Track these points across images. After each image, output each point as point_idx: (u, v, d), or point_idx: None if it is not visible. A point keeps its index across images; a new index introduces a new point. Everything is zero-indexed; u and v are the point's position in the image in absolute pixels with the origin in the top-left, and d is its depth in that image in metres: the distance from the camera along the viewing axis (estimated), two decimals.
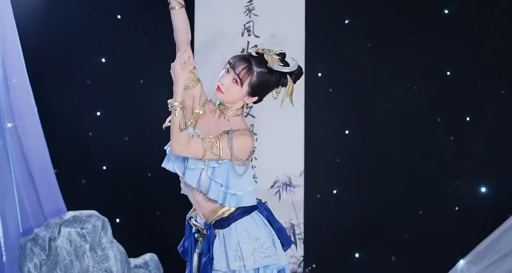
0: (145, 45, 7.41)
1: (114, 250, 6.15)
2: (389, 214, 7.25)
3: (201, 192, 4.51)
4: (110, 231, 6.19)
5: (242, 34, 7.05)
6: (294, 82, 4.55)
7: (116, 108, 7.47)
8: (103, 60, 7.42)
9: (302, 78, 6.77)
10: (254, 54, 4.49)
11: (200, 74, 6.85)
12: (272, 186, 7.00)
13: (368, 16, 7.28)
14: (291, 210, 6.94)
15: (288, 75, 4.52)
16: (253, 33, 7.05)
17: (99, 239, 6.14)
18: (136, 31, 7.40)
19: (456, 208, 7.16)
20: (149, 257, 6.30)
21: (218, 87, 4.48)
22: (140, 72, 7.45)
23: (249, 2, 6.99)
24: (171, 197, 7.16)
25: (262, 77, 4.51)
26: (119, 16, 7.32)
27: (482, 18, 7.15)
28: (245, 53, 4.70)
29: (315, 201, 7.22)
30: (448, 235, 7.15)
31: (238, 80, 4.46)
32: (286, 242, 4.57)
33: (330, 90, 7.30)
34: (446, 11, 7.20)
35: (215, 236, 4.46)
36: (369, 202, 7.28)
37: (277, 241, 4.51)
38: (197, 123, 4.58)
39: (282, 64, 4.49)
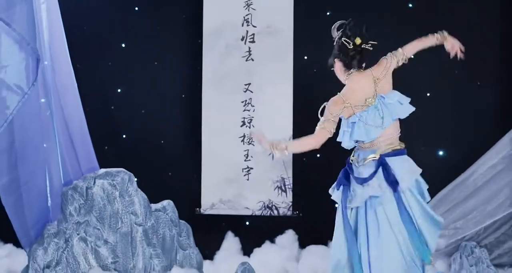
0: (159, 33, 8.52)
1: (138, 197, 7.29)
2: None
3: None
4: (135, 183, 7.34)
5: (242, 24, 8.30)
6: (351, 31, 5.87)
7: (134, 86, 8.59)
8: (123, 45, 8.56)
9: (291, 60, 8.11)
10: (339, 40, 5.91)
11: (208, 56, 8.10)
12: None
13: (346, 8, 8.40)
14: (282, 167, 8.22)
15: (341, 33, 5.90)
16: (251, 23, 8.30)
17: (126, 189, 7.28)
18: (151, 21, 8.53)
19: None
20: (166, 203, 7.44)
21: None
22: (154, 56, 8.56)
23: None
24: (181, 161, 8.56)
25: (334, 48, 5.94)
26: (136, 8, 8.48)
27: (445, 12, 8.25)
28: None
29: (301, 161, 8.37)
30: None
31: (332, 68, 5.94)
32: None
33: (314, 70, 8.43)
34: (410, 5, 8.38)
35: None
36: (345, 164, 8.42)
37: None
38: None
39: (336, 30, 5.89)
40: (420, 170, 5.76)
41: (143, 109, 8.60)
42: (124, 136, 8.61)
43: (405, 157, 5.76)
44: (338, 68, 5.86)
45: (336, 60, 5.86)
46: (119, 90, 8.61)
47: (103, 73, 8.56)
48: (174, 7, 8.53)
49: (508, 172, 8.21)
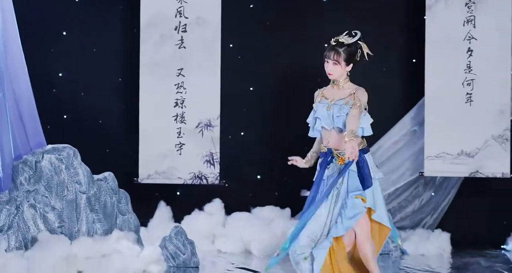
0: (97, 22, 8.97)
1: (82, 169, 7.71)
2: (282, 150, 8.49)
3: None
4: (79, 157, 7.77)
5: (175, 16, 8.79)
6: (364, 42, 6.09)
7: (74, 70, 9.03)
8: (64, 33, 9.02)
9: (219, 48, 8.63)
10: (333, 43, 6.08)
11: (145, 44, 8.53)
12: (197, 126, 8.77)
13: (266, 2, 9.03)
14: (211, 143, 8.79)
15: (358, 41, 6.07)
16: (183, 15, 8.79)
17: (72, 162, 7.71)
18: (91, 12, 8.98)
19: None
20: (107, 174, 7.84)
21: (329, 73, 6.08)
22: (93, 43, 9.02)
23: None
24: (120, 138, 9.04)
25: (346, 51, 6.04)
26: (76, 0, 8.95)
27: (359, 6, 8.89)
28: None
29: (227, 138, 8.95)
30: None
31: (336, 62, 6.05)
32: None
33: (239, 57, 9.02)
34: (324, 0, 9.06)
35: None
36: (267, 141, 9.06)
37: None
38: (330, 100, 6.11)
39: (351, 38, 6.04)
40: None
41: (82, 92, 9.02)
42: (65, 116, 9.03)
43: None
44: (343, 62, 6.11)
45: (344, 55, 6.10)
46: (60, 74, 9.01)
47: (46, 59, 8.95)
48: None
49: (409, 147, 9.00)
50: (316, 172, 6.09)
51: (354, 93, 6.02)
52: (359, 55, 6.08)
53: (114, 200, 7.79)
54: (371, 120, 5.96)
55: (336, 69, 6.14)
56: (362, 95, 6.03)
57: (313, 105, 6.22)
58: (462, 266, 8.25)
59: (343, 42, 6.07)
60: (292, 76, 9.09)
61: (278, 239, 8.43)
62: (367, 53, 6.14)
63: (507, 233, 8.96)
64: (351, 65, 6.12)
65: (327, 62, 6.15)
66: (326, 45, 8.42)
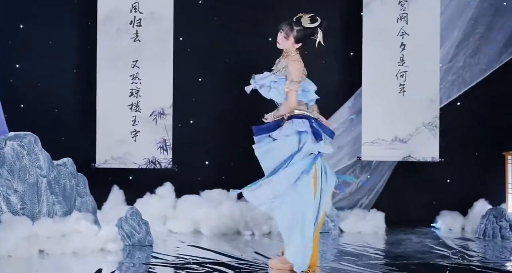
0: (53, 16, 9.10)
1: (43, 155, 7.92)
2: (229, 136, 9.20)
3: None
4: (40, 144, 7.97)
5: (131, 11, 8.85)
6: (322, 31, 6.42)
7: (31, 62, 9.13)
8: (21, 26, 9.12)
9: (171, 41, 8.73)
10: (294, 19, 6.42)
11: (102, 37, 8.64)
12: (151, 115, 8.96)
13: None
14: (164, 130, 8.91)
15: (317, 28, 6.41)
16: (138, 10, 8.86)
17: (33, 148, 7.89)
18: (47, 6, 9.10)
19: None
20: (66, 159, 8.06)
21: (277, 42, 6.49)
22: (49, 36, 9.15)
23: None
24: (75, 127, 9.18)
25: (300, 32, 6.40)
26: None
27: (301, 3, 8.77)
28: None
29: (179, 126, 9.13)
30: None
31: (286, 36, 6.42)
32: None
33: (188, 50, 9.17)
34: None
35: None
36: (215, 129, 9.27)
37: None
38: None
39: (310, 22, 6.37)
40: None
41: (39, 83, 9.12)
42: (22, 106, 9.13)
43: None
44: (292, 39, 6.52)
45: (296, 34, 6.51)
46: (17, 66, 9.09)
47: (4, 51, 8.97)
48: None
49: (347, 134, 9.23)
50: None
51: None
52: (312, 39, 6.47)
53: (73, 184, 7.98)
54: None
55: (283, 41, 6.56)
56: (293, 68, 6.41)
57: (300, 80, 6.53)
58: (395, 242, 8.51)
59: (301, 23, 6.44)
60: (238, 68, 9.27)
61: (226, 219, 8.80)
62: (319, 42, 6.44)
63: (436, 212, 9.31)
64: (300, 44, 6.49)
65: (280, 32, 6.54)
66: (270, 39, 8.99)
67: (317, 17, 6.44)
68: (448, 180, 9.41)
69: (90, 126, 8.97)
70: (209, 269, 6.99)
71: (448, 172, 9.31)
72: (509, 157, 8.91)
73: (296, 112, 6.53)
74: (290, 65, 6.41)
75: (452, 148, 9.23)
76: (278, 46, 6.52)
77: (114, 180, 9.13)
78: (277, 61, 6.65)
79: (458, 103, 9.35)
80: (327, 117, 8.59)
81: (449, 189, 9.35)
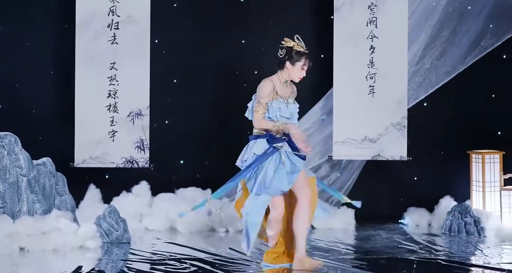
0: (31, 19, 9.14)
1: (23, 154, 8.07)
2: (203, 135, 9.34)
3: None
4: (20, 144, 8.12)
5: (108, 14, 8.94)
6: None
7: (8, 63, 9.20)
8: None
9: (148, 43, 8.85)
10: (307, 50, 6.74)
11: (80, 39, 8.77)
12: (128, 115, 9.04)
13: (189, 2, 9.30)
14: (141, 131, 9.02)
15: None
16: (116, 13, 8.94)
17: (13, 148, 8.05)
18: (24, 8, 9.15)
19: (248, 132, 8.45)
20: (46, 159, 8.16)
21: (300, 78, 6.85)
22: (27, 38, 9.22)
23: None
24: (53, 127, 9.20)
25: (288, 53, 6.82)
26: None
27: (273, 7, 9.20)
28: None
29: (155, 126, 9.22)
30: (241, 150, 8.34)
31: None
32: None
33: (164, 51, 9.26)
34: (241, 0, 9.38)
35: None
36: (190, 129, 9.35)
37: None
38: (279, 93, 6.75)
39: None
40: None
41: (16, 83, 9.18)
42: (0, 106, 9.18)
43: None
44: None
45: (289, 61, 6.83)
46: None
47: None
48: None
49: (318, 134, 9.31)
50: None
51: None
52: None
53: (52, 183, 8.11)
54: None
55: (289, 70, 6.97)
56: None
57: (266, 100, 6.81)
58: (365, 237, 8.66)
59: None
60: (211, 70, 9.40)
61: (201, 217, 8.86)
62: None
63: (404, 209, 9.40)
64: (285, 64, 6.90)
65: (304, 69, 6.91)
66: (243, 41, 9.22)
67: (297, 37, 6.82)
68: (415, 178, 9.51)
69: (68, 127, 8.99)
70: (187, 265, 7.13)
71: (415, 170, 9.38)
72: (473, 155, 9.07)
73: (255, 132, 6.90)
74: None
75: (419, 147, 9.32)
76: (298, 80, 6.95)
77: (90, 179, 9.17)
78: (269, 88, 6.92)
79: (425, 104, 9.44)
80: (299, 118, 8.89)
81: (416, 186, 9.42)
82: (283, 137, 6.77)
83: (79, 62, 8.91)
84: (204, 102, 9.35)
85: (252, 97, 6.89)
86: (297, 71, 6.83)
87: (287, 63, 6.81)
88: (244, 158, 6.80)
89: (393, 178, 9.40)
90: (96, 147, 8.95)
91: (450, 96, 9.36)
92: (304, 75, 6.84)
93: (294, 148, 6.76)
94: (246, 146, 6.84)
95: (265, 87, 6.73)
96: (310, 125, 9.22)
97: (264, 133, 6.81)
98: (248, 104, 6.90)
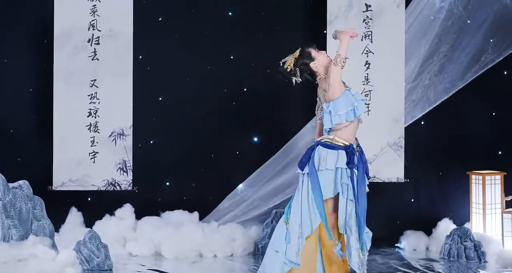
0: (8, 33, 9.02)
1: None
2: (191, 156, 9.20)
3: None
4: None
5: (89, 29, 8.80)
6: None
7: None
8: None
9: (131, 59, 8.70)
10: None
11: (59, 55, 8.56)
12: (110, 135, 8.86)
13: (175, 14, 9.14)
14: (124, 151, 8.85)
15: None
16: (96, 28, 8.78)
17: None
18: (1, 22, 9.01)
19: (237, 152, 9.17)
20: (22, 182, 7.99)
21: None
22: (3, 54, 9.04)
23: (93, 5, 8.77)
24: (31, 148, 9.05)
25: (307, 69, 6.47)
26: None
27: (261, 20, 9.14)
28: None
29: (139, 147, 9.07)
30: (230, 170, 9.15)
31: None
32: None
33: (148, 68, 9.10)
34: (230, 13, 9.21)
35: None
36: (176, 149, 9.21)
37: None
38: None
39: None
40: None
41: None
42: None
43: None
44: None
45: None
46: None
47: None
48: (23, 10, 9.02)
49: None
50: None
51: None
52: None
53: (29, 207, 7.94)
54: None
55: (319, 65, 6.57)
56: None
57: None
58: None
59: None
60: (198, 87, 9.24)
61: (187, 241, 8.69)
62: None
63: (400, 233, 9.22)
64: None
65: (318, 50, 6.63)
66: (232, 56, 9.07)
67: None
68: (412, 200, 9.37)
69: (47, 147, 8.88)
70: None
71: (412, 191, 9.30)
72: (473, 176, 8.93)
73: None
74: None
75: (417, 168, 9.20)
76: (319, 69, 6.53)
77: (72, 201, 9.00)
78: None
79: (422, 123, 9.30)
80: (290, 137, 8.81)
81: (414, 208, 9.34)
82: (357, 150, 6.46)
83: (58, 79, 8.76)
84: (191, 120, 9.21)
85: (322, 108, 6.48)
86: (322, 58, 6.50)
87: (312, 65, 6.50)
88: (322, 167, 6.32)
89: (389, 199, 9.26)
90: (76, 169, 8.81)
91: (448, 114, 9.27)
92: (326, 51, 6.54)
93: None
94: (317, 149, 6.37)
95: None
96: (302, 145, 9.03)
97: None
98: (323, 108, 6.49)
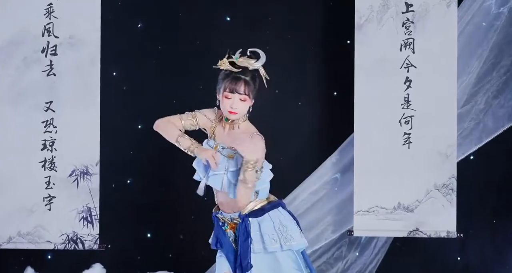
0: None
1: None
2: (178, 200, 8.30)
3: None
4: None
5: (43, 35, 7.86)
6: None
7: None
8: None
9: (98, 76, 7.88)
10: (236, 69, 5.11)
11: (2, 70, 7.87)
12: (70, 175, 7.97)
13: (158, 21, 8.35)
14: (88, 195, 7.90)
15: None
16: (53, 33, 7.92)
17: None
18: None
19: None
20: None
21: (231, 112, 5.16)
22: None
23: (48, 5, 7.89)
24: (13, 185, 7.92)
25: (255, 81, 5.17)
26: None
27: (267, 26, 8.32)
28: (220, 67, 5.29)
29: (110, 188, 8.19)
30: None
31: (246, 97, 5.12)
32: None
33: (124, 88, 8.25)
34: (228, 18, 8.39)
35: (249, 223, 5.24)
36: (159, 191, 8.34)
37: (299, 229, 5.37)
38: (215, 135, 5.38)
39: (255, 61, 5.16)
40: None
41: None
42: None
43: None
44: (250, 102, 5.33)
45: (254, 93, 5.37)
46: None
47: None
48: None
49: (330, 198, 8.43)
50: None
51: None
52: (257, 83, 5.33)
53: None
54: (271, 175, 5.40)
55: (243, 106, 5.25)
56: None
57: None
58: None
59: (247, 68, 5.17)
60: (187, 111, 7.89)
61: None
62: (265, 77, 5.23)
63: None
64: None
65: (231, 97, 5.22)
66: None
67: (250, 51, 5.27)
68: (459, 258, 8.55)
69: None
70: None
71: (458, 247, 8.56)
72: None
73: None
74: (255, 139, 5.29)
75: (466, 218, 8.49)
76: (234, 117, 5.31)
77: (27, 261, 8.31)
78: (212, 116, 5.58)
79: (472, 157, 8.55)
80: (302, 179, 8.37)
81: (460, 269, 8.49)
82: None
83: (2, 101, 8.01)
84: (178, 154, 7.77)
85: None
86: (223, 102, 5.32)
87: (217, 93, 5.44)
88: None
89: (430, 258, 8.44)
90: (25, 219, 7.98)
91: (510, 147, 8.44)
92: (235, 108, 5.28)
93: None
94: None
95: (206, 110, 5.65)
96: (319, 186, 8.38)
97: None
98: None
